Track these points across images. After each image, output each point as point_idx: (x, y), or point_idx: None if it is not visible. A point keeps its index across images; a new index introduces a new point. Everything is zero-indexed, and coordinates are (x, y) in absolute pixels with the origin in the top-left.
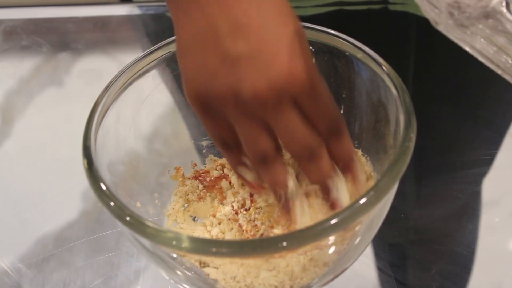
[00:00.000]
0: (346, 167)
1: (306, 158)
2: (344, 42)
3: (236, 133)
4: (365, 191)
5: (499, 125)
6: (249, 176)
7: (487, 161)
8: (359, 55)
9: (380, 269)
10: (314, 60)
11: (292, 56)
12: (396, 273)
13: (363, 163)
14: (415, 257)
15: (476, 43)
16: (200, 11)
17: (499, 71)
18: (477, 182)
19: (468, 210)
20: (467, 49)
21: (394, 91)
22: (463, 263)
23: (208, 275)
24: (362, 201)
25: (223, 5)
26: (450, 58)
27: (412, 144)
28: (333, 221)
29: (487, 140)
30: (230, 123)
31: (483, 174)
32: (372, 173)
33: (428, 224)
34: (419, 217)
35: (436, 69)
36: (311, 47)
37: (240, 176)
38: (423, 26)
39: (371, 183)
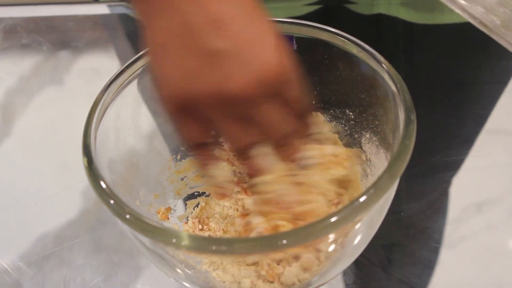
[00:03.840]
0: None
1: (283, 143)
2: (344, 40)
3: (210, 130)
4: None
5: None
6: (220, 174)
7: (485, 160)
8: (359, 52)
9: (380, 267)
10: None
11: (271, 50)
12: (395, 271)
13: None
14: (415, 255)
15: (465, 3)
16: (172, 9)
17: (486, 31)
18: (476, 181)
19: (467, 208)
20: (457, 10)
21: (394, 88)
22: (463, 262)
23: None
24: (362, 199)
25: (196, 2)
26: (433, 61)
27: (412, 142)
28: (333, 219)
29: (484, 139)
30: (208, 123)
31: (483, 173)
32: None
33: (426, 222)
34: (415, 214)
35: (420, 71)
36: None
37: (208, 178)
38: (409, 31)
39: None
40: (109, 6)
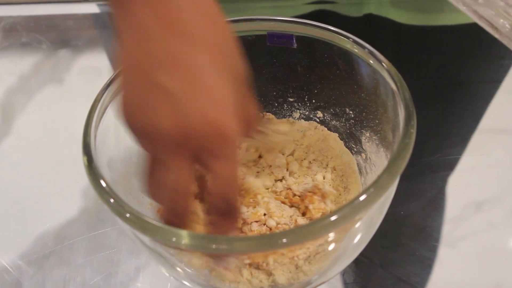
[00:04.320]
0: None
1: (168, 209)
2: (344, 38)
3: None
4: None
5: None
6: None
7: (484, 159)
8: (359, 51)
9: (379, 266)
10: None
11: (211, 110)
12: (395, 270)
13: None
14: (415, 254)
15: (476, 7)
16: (141, 34)
17: (497, 35)
18: (476, 180)
19: (467, 207)
20: (469, 14)
21: (394, 87)
22: (463, 261)
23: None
24: (362, 197)
25: (166, 36)
26: (426, 61)
27: (412, 141)
28: (333, 218)
29: (485, 138)
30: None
31: (482, 172)
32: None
33: (426, 221)
34: (415, 213)
35: (412, 71)
36: (310, 48)
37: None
38: (400, 32)
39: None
40: (99, 5)
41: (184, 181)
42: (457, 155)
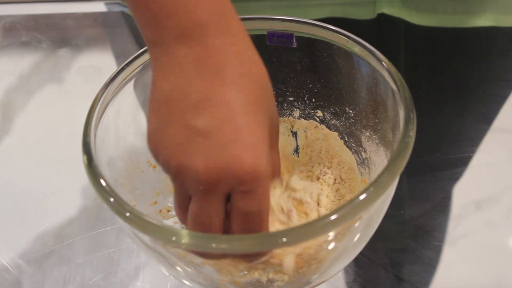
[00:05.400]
0: None
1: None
2: (344, 38)
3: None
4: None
5: (491, 120)
6: None
7: (484, 158)
8: (359, 50)
9: (379, 265)
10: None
11: (248, 148)
12: (396, 269)
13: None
14: (415, 253)
15: None
16: (176, 73)
17: None
18: (475, 179)
19: (466, 206)
20: None
21: (394, 87)
22: (463, 260)
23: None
24: (362, 197)
25: (201, 76)
26: (442, 61)
27: (411, 140)
28: (333, 217)
29: (481, 136)
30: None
31: (481, 170)
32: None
33: (426, 220)
34: (415, 212)
35: (425, 71)
36: (310, 47)
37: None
38: (415, 32)
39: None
40: (106, 4)
41: (214, 218)
42: (459, 154)
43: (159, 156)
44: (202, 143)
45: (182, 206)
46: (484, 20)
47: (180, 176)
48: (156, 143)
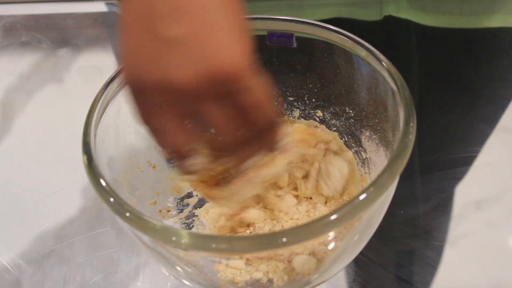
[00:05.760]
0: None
1: (234, 150)
2: (344, 38)
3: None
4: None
5: (496, 121)
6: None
7: (485, 158)
8: (359, 51)
9: (379, 265)
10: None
11: (226, 45)
12: (395, 269)
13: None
14: (415, 253)
15: None
16: None
17: None
18: (475, 179)
19: (466, 205)
20: None
21: (394, 87)
22: (463, 260)
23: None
24: (362, 197)
25: None
26: (450, 61)
27: (412, 140)
28: (333, 217)
29: (485, 136)
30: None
31: (482, 171)
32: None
33: (426, 220)
34: (415, 212)
35: (431, 72)
36: (310, 47)
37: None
38: (423, 33)
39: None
40: (106, 4)
41: (221, 112)
42: (459, 154)
43: (138, 78)
44: (178, 52)
45: (170, 128)
46: (490, 21)
47: (166, 93)
48: (132, 64)
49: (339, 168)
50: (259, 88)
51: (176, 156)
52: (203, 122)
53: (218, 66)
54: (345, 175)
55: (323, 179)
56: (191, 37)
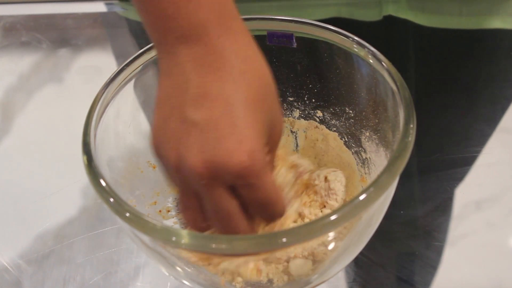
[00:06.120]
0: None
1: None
2: (344, 38)
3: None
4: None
5: (496, 121)
6: None
7: (485, 158)
8: (359, 51)
9: (379, 265)
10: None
11: (239, 145)
12: (396, 269)
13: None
14: (415, 254)
15: None
16: (177, 72)
17: None
18: (475, 179)
19: (466, 205)
20: None
21: (394, 87)
22: (463, 260)
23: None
24: (362, 197)
25: (201, 73)
26: (449, 62)
27: (412, 140)
28: (333, 217)
29: (485, 137)
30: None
31: (482, 171)
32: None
33: (426, 220)
34: (415, 212)
35: (432, 73)
36: (310, 47)
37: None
38: (422, 33)
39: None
40: (106, 4)
41: (232, 209)
42: (459, 154)
43: (160, 152)
44: (199, 137)
45: (189, 205)
46: (491, 22)
47: (180, 171)
48: (158, 139)
49: (337, 179)
50: (268, 188)
51: (191, 229)
52: (209, 207)
53: (230, 161)
54: (344, 182)
55: (329, 197)
56: (208, 124)
